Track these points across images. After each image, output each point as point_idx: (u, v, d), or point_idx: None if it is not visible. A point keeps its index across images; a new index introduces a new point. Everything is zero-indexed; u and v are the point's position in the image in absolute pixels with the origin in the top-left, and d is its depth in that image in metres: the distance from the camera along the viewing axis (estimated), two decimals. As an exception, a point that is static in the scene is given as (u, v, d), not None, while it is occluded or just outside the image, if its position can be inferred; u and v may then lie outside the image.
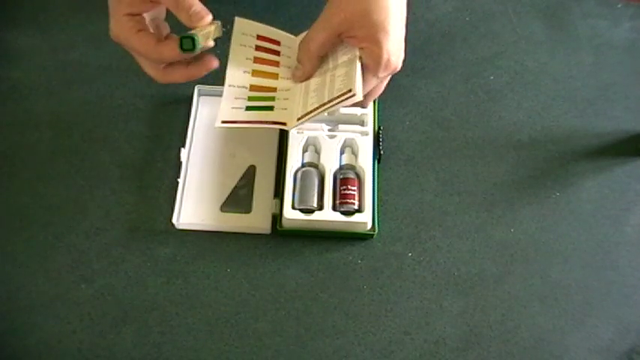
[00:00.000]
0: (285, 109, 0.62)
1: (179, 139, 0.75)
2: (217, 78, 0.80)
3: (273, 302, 0.67)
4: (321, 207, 0.68)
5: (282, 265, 0.69)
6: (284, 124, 0.62)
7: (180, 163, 0.73)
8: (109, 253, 0.69)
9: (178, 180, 0.71)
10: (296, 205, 0.68)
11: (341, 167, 0.72)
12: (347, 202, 0.68)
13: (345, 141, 0.73)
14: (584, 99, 0.80)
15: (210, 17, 0.60)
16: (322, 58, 0.62)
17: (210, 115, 0.77)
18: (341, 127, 0.73)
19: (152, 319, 0.66)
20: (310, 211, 0.68)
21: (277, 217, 0.70)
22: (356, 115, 0.74)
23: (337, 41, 0.60)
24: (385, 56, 0.57)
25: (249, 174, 0.73)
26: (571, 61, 0.83)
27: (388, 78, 0.63)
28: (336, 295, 0.67)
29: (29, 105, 0.78)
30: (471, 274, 0.69)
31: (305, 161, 0.72)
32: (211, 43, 0.61)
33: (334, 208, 0.68)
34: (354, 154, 0.72)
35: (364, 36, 0.57)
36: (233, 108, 0.63)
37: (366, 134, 0.73)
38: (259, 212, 0.71)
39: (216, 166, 0.73)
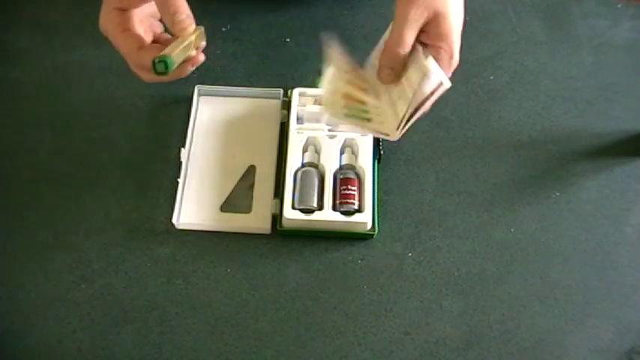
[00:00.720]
0: (382, 122, 0.61)
1: (179, 139, 0.75)
2: (217, 78, 0.81)
3: (273, 302, 0.67)
4: (321, 207, 0.68)
5: (282, 265, 0.69)
6: (387, 134, 0.61)
7: (180, 163, 0.73)
8: (109, 253, 0.69)
9: (178, 180, 0.71)
10: (296, 205, 0.68)
11: (341, 167, 0.72)
12: (347, 202, 0.68)
13: (345, 141, 0.73)
14: (584, 99, 0.80)
15: (193, 26, 0.59)
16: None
17: (211, 115, 0.77)
18: (341, 127, 0.73)
19: (152, 319, 0.66)
20: (310, 211, 0.68)
21: (277, 217, 0.70)
22: (356, 115, 0.74)
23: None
24: (456, 56, 0.58)
25: (249, 174, 0.73)
26: (571, 61, 0.83)
27: None
28: (336, 295, 0.67)
29: (29, 105, 0.78)
30: (471, 274, 0.69)
31: (305, 161, 0.72)
32: (193, 53, 0.60)
33: (334, 208, 0.68)
34: (354, 154, 0.72)
35: (439, 35, 0.57)
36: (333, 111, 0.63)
37: (366, 134, 0.73)
38: (259, 212, 0.71)
39: (217, 166, 0.73)
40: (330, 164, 0.71)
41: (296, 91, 0.75)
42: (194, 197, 0.71)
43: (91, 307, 0.66)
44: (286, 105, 0.76)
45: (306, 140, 0.73)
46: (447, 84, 0.55)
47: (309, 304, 0.67)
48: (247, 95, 0.78)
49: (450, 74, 0.59)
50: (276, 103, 0.77)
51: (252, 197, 0.72)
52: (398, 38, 0.57)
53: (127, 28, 0.59)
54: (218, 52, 0.82)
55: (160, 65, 0.54)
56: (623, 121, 0.79)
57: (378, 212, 0.70)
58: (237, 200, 0.71)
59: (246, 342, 0.65)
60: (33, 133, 0.76)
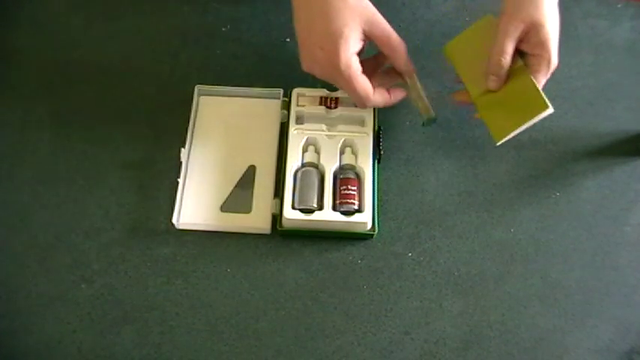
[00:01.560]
0: (492, 120, 0.68)
1: (179, 139, 0.75)
2: (217, 78, 0.81)
3: (273, 302, 0.67)
4: (321, 207, 0.68)
5: (282, 265, 0.69)
6: (493, 134, 0.68)
7: (180, 163, 0.73)
8: (109, 253, 0.69)
9: (178, 180, 0.72)
10: (296, 205, 0.68)
11: (341, 167, 0.72)
12: (347, 202, 0.68)
13: (345, 141, 0.73)
14: (584, 99, 0.80)
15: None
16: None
17: (210, 115, 0.77)
18: (341, 127, 0.73)
19: (152, 319, 0.66)
20: (310, 211, 0.68)
21: (277, 217, 0.70)
22: (356, 115, 0.74)
23: None
24: (554, 60, 0.65)
25: (249, 174, 0.73)
26: (571, 61, 0.83)
27: None
28: (336, 295, 0.67)
29: (29, 105, 0.78)
30: (471, 274, 0.69)
31: (305, 161, 0.72)
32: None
33: (334, 208, 0.68)
34: (354, 154, 0.72)
35: (537, 43, 0.65)
36: None
37: (366, 134, 0.73)
38: (259, 212, 0.71)
39: (216, 166, 0.73)
40: (330, 164, 0.71)
41: (296, 91, 0.75)
42: (194, 197, 0.71)
43: (91, 307, 0.66)
44: (286, 105, 0.76)
45: (306, 140, 0.73)
46: (552, 110, 0.64)
47: (309, 304, 0.67)
48: (247, 95, 0.78)
49: (549, 76, 0.67)
50: (276, 103, 0.77)
51: (252, 197, 0.72)
52: (499, 48, 0.65)
53: (363, 71, 0.65)
54: (218, 52, 0.82)
55: (429, 123, 0.71)
56: (623, 121, 0.79)
57: (378, 212, 0.70)
58: (237, 200, 0.71)
59: (246, 342, 0.65)
60: (33, 133, 0.76)
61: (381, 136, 0.74)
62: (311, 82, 0.77)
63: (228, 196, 0.72)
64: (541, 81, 0.66)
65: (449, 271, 0.69)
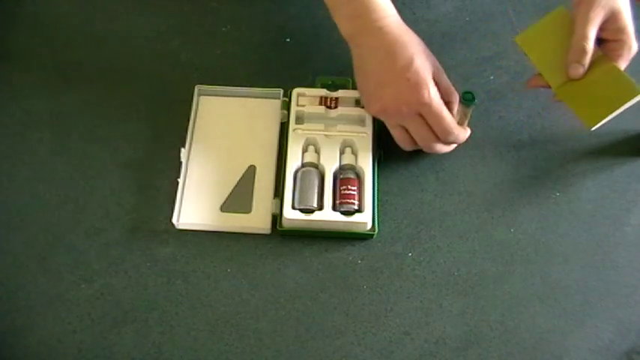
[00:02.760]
0: (580, 107, 0.69)
1: (179, 139, 0.75)
2: (217, 78, 0.81)
3: (273, 302, 0.67)
4: (321, 207, 0.68)
5: (282, 265, 0.69)
6: (583, 120, 0.68)
7: (180, 163, 0.73)
8: (109, 253, 0.69)
9: (178, 180, 0.72)
10: (296, 205, 0.68)
11: (341, 167, 0.72)
12: (347, 202, 0.68)
13: (344, 141, 0.73)
14: (584, 99, 0.80)
15: None
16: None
17: (210, 115, 0.77)
18: (341, 127, 0.73)
19: (152, 319, 0.66)
20: (310, 211, 0.68)
21: (277, 217, 0.70)
22: (356, 114, 0.74)
23: None
24: (635, 47, 0.66)
25: (249, 174, 0.73)
26: (571, 61, 0.83)
27: None
28: (336, 295, 0.67)
29: (29, 105, 0.78)
30: (471, 274, 0.69)
31: (305, 161, 0.72)
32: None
33: (334, 208, 0.68)
34: (354, 154, 0.72)
35: (619, 29, 0.65)
36: None
37: (366, 134, 0.73)
38: (259, 212, 0.71)
39: (216, 166, 0.73)
40: (330, 164, 0.71)
41: (296, 91, 0.75)
42: (194, 197, 0.71)
43: (91, 307, 0.66)
44: (286, 105, 0.76)
45: (306, 140, 0.73)
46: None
47: (309, 304, 0.67)
48: (247, 95, 0.78)
49: (629, 61, 0.67)
50: (276, 103, 0.77)
51: (252, 197, 0.72)
52: (582, 35, 0.65)
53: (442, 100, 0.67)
54: (218, 52, 0.82)
55: (468, 96, 0.68)
56: (623, 121, 0.78)
57: (378, 212, 0.70)
58: (237, 200, 0.71)
59: (246, 342, 0.65)
60: (33, 133, 0.76)
61: (381, 136, 0.74)
62: (311, 82, 0.78)
63: (228, 196, 0.72)
64: (622, 66, 0.67)
65: (449, 271, 0.69)
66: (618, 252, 0.70)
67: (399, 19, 0.68)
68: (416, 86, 0.64)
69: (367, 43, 0.67)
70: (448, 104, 0.69)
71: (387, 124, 0.70)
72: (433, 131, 0.68)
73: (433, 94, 0.65)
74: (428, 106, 0.65)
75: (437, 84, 0.67)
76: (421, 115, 0.66)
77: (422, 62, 0.65)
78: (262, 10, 0.86)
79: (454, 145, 0.73)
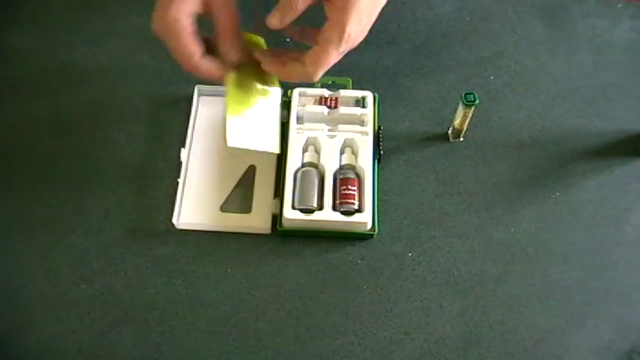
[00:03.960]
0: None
1: (179, 139, 0.75)
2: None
3: (273, 302, 0.67)
4: (321, 207, 0.68)
5: (282, 265, 0.69)
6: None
7: (181, 163, 0.73)
8: (109, 253, 0.69)
9: (178, 180, 0.72)
10: (296, 205, 0.68)
11: (341, 167, 0.71)
12: (347, 202, 0.68)
13: (345, 141, 0.73)
14: (584, 99, 0.80)
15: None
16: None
17: (211, 115, 0.77)
18: (341, 126, 0.73)
19: (152, 319, 0.66)
20: (310, 211, 0.68)
21: (277, 217, 0.70)
22: (356, 114, 0.74)
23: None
24: (347, 31, 0.58)
25: (249, 174, 0.73)
26: (571, 61, 0.83)
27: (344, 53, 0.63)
28: (336, 295, 0.67)
29: (29, 105, 0.78)
30: (471, 274, 0.69)
31: (305, 161, 0.72)
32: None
33: (334, 208, 0.68)
34: (354, 154, 0.72)
35: (338, 6, 0.59)
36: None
37: (366, 134, 0.73)
38: (259, 212, 0.71)
39: (217, 166, 0.73)
40: (330, 164, 0.71)
41: (296, 91, 0.75)
42: (194, 197, 0.71)
43: (91, 307, 0.66)
44: (286, 105, 0.75)
45: (306, 140, 0.73)
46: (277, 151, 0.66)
47: (309, 304, 0.67)
48: (247, 95, 0.78)
49: (345, 49, 0.61)
50: (276, 103, 0.77)
51: (252, 197, 0.72)
52: None
53: (192, 32, 0.61)
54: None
55: None
56: (623, 121, 0.79)
57: (377, 212, 0.70)
58: (237, 200, 0.71)
59: (246, 342, 0.65)
60: (33, 133, 0.76)
61: (381, 136, 0.74)
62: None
63: (229, 196, 0.72)
64: (332, 54, 0.60)
65: (449, 271, 0.69)
66: (618, 252, 0.70)
67: None
68: (161, 8, 0.59)
69: None
70: (219, 34, 0.62)
71: None
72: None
73: (170, 18, 0.59)
74: (164, 30, 0.60)
75: (212, 8, 0.61)
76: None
77: None
78: (262, 10, 0.86)
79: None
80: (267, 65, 0.65)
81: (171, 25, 0.59)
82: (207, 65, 0.62)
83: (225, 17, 0.62)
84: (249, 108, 0.67)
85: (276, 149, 0.68)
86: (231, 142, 0.64)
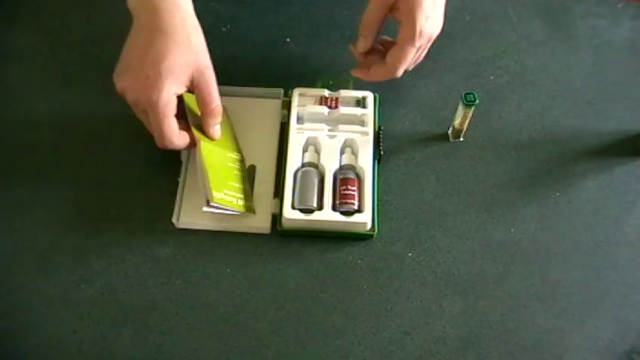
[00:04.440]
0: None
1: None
2: (217, 78, 0.80)
3: (273, 302, 0.67)
4: (320, 207, 0.68)
5: (282, 265, 0.69)
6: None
7: (181, 162, 0.73)
8: (109, 253, 0.69)
9: (179, 179, 0.72)
10: (296, 205, 0.68)
11: (341, 167, 0.72)
12: (347, 203, 0.68)
13: (345, 141, 0.73)
14: (584, 99, 0.80)
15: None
16: None
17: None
18: (341, 127, 0.73)
19: (152, 319, 0.66)
20: (310, 211, 0.68)
21: (277, 217, 0.70)
22: (356, 115, 0.74)
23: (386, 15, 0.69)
24: (418, 29, 0.66)
25: (250, 174, 0.73)
26: (571, 61, 0.83)
27: (428, 47, 0.72)
28: (336, 295, 0.67)
29: (29, 105, 0.78)
30: (471, 274, 0.69)
31: (305, 161, 0.72)
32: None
33: (334, 208, 0.68)
34: (354, 154, 0.72)
35: (404, 10, 0.67)
36: None
37: (367, 134, 0.73)
38: (259, 212, 0.71)
39: (216, 166, 0.73)
40: (330, 164, 0.71)
41: (296, 91, 0.75)
42: (194, 197, 0.71)
43: (91, 307, 0.66)
44: (286, 105, 0.76)
45: (307, 140, 0.73)
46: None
47: (309, 304, 0.67)
48: (247, 95, 0.78)
49: (421, 43, 0.69)
50: (277, 103, 0.77)
51: (252, 197, 0.71)
52: (368, 11, 0.70)
53: (176, 112, 0.65)
54: (218, 52, 0.81)
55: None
56: (623, 121, 0.79)
57: (377, 212, 0.70)
58: (237, 200, 0.71)
59: (246, 342, 0.65)
60: (33, 133, 0.76)
61: (381, 136, 0.74)
62: (312, 81, 0.78)
63: (228, 196, 0.72)
64: (408, 50, 0.68)
65: (449, 271, 0.69)
66: (618, 252, 0.70)
67: (188, 12, 0.66)
68: (151, 85, 0.62)
69: (140, 18, 0.65)
70: (202, 115, 0.67)
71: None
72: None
73: (162, 99, 0.62)
74: (153, 107, 0.63)
75: (196, 90, 0.65)
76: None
77: (174, 64, 0.63)
78: (262, 10, 0.86)
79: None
80: (356, 72, 0.73)
81: (162, 107, 0.63)
82: (183, 140, 0.66)
83: (210, 97, 0.66)
84: (225, 173, 0.69)
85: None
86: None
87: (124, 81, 0.65)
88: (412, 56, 0.69)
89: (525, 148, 0.76)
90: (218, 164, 0.68)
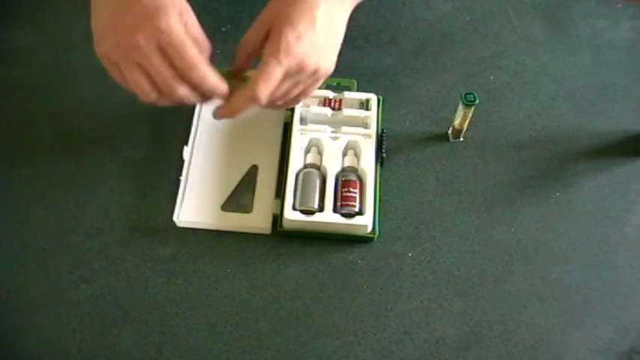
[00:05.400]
0: None
1: (179, 138, 0.75)
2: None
3: (273, 302, 0.67)
4: (321, 208, 0.68)
5: (282, 265, 0.69)
6: None
7: (183, 161, 0.73)
8: (109, 253, 0.69)
9: (180, 178, 0.72)
10: (297, 206, 0.68)
11: (343, 169, 0.71)
12: (348, 205, 0.68)
13: (347, 143, 0.73)
14: (584, 99, 0.80)
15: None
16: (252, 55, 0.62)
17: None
18: (344, 129, 0.73)
19: (152, 319, 0.66)
20: (311, 213, 0.68)
21: (278, 218, 0.70)
22: (359, 117, 0.74)
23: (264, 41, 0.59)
24: (284, 43, 0.56)
25: (251, 174, 0.73)
26: (571, 61, 0.83)
27: (311, 83, 0.62)
28: (336, 295, 0.67)
29: (29, 105, 0.78)
30: (471, 274, 0.69)
31: (307, 162, 0.72)
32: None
33: (335, 210, 0.68)
34: (357, 156, 0.72)
35: (276, 26, 0.58)
36: None
37: (369, 137, 0.73)
38: (260, 212, 0.71)
39: (219, 165, 0.73)
40: (332, 166, 0.71)
41: (298, 92, 0.75)
42: (195, 196, 0.71)
43: (91, 307, 0.66)
44: (288, 105, 0.75)
45: (309, 141, 0.73)
46: None
47: (309, 304, 0.67)
48: (248, 95, 0.78)
49: (289, 67, 0.58)
50: (277, 103, 0.77)
51: (253, 197, 0.72)
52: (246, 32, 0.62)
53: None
54: (218, 52, 0.81)
55: None
56: (623, 121, 0.79)
57: (378, 215, 0.70)
58: (238, 200, 0.71)
59: (246, 342, 0.65)
60: (33, 133, 0.76)
61: (384, 139, 0.74)
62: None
63: (230, 196, 0.72)
64: (272, 67, 0.56)
65: (449, 271, 0.69)
66: (618, 252, 0.70)
67: None
68: (154, 12, 0.54)
69: None
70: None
71: (123, 69, 0.58)
72: (176, 69, 0.56)
73: (173, 23, 0.54)
74: (167, 33, 0.54)
75: (187, 27, 0.57)
76: (162, 49, 0.55)
77: (162, 4, 0.55)
78: (262, 10, 0.86)
79: (216, 103, 0.61)
80: (219, 111, 0.62)
81: (176, 29, 0.55)
82: (212, 75, 0.57)
83: (198, 30, 0.59)
84: None
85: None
86: None
87: (116, 31, 0.56)
88: (278, 77, 0.57)
89: (525, 148, 0.76)
90: None
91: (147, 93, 0.58)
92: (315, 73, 0.60)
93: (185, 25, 0.57)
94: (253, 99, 0.57)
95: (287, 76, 0.58)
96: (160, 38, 0.54)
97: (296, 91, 0.62)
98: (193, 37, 0.57)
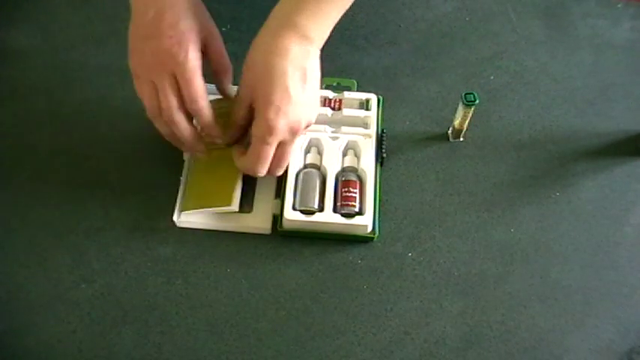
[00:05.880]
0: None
1: (179, 139, 0.75)
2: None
3: (273, 302, 0.67)
4: (321, 208, 0.68)
5: (282, 265, 0.69)
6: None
7: (183, 161, 0.73)
8: (109, 253, 0.69)
9: (181, 178, 0.72)
10: (297, 206, 0.68)
11: (343, 169, 0.71)
12: (348, 205, 0.68)
13: (347, 143, 0.73)
14: (584, 99, 0.80)
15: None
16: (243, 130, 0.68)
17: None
18: (344, 129, 0.73)
19: (152, 319, 0.66)
20: (311, 213, 0.68)
21: (278, 218, 0.70)
22: (359, 117, 0.74)
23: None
24: (265, 125, 0.62)
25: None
26: (571, 61, 0.83)
27: (288, 144, 0.65)
28: (336, 295, 0.67)
29: (29, 105, 0.78)
30: (471, 274, 0.69)
31: (307, 162, 0.72)
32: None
33: (335, 210, 0.68)
34: (357, 156, 0.72)
35: (257, 106, 0.63)
36: None
37: (369, 137, 0.73)
38: (260, 212, 0.71)
39: (219, 165, 0.73)
40: (332, 166, 0.71)
41: (297, 91, 0.75)
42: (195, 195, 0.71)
43: (91, 307, 0.66)
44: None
45: (309, 141, 0.73)
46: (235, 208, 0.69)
47: (309, 304, 0.67)
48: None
49: (272, 142, 0.63)
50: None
51: (253, 197, 0.71)
52: (234, 108, 0.68)
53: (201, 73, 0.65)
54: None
55: None
56: (623, 121, 0.79)
57: (378, 216, 0.70)
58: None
59: (246, 342, 0.65)
60: (33, 133, 0.76)
61: (384, 139, 0.74)
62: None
63: (229, 196, 0.72)
64: (260, 150, 0.63)
65: (449, 271, 0.69)
66: (618, 252, 0.70)
67: None
68: (176, 44, 0.62)
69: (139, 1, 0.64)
70: (217, 74, 0.69)
71: (141, 82, 0.65)
72: (180, 98, 0.64)
73: (191, 57, 0.62)
74: (182, 66, 0.62)
75: (208, 50, 0.66)
76: (174, 77, 0.63)
77: (189, 24, 0.63)
78: (262, 10, 0.85)
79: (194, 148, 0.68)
80: (235, 158, 0.68)
81: (191, 62, 0.62)
82: (209, 113, 0.65)
83: (222, 53, 0.68)
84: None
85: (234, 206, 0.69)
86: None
87: (143, 52, 0.63)
88: (272, 153, 0.64)
89: (525, 148, 0.77)
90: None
91: (150, 105, 0.66)
92: (301, 128, 0.64)
93: (207, 49, 0.65)
94: (253, 173, 0.66)
95: (279, 143, 0.64)
96: (175, 69, 0.62)
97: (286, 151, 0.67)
98: (215, 62, 0.67)
